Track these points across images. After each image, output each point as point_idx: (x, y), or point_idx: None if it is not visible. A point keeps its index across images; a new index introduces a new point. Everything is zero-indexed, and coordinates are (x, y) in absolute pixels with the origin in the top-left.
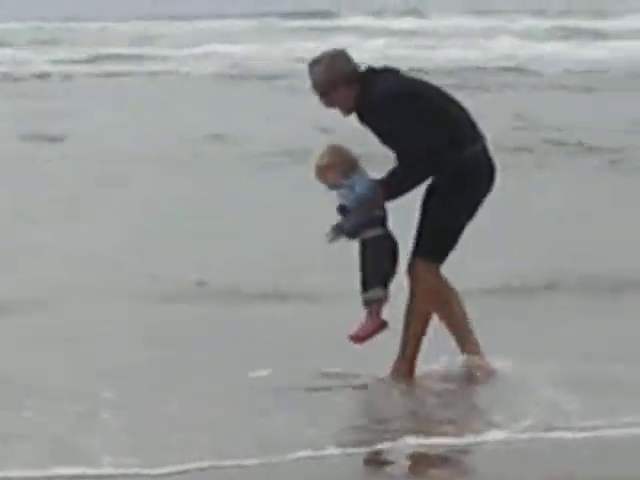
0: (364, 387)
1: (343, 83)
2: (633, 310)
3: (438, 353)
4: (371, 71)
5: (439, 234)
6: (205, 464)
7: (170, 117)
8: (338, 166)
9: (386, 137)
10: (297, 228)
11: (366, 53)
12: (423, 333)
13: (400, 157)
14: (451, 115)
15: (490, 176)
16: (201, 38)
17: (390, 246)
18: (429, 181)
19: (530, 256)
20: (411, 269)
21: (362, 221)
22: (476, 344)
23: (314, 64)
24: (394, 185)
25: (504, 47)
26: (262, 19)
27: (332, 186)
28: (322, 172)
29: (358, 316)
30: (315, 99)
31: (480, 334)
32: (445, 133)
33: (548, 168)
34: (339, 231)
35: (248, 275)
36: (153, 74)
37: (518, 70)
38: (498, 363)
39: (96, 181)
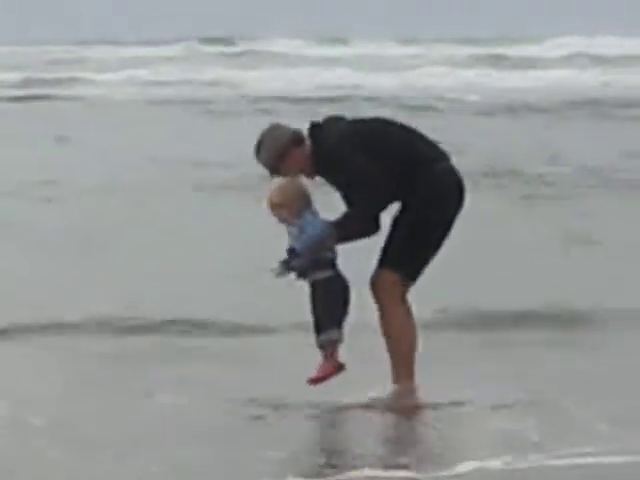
0: (321, 416)
1: (293, 146)
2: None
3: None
4: (316, 125)
5: (408, 247)
6: None
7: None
8: (291, 204)
9: (342, 185)
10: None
11: (292, 83)
12: (412, 347)
13: (353, 203)
14: (410, 139)
15: (460, 194)
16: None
17: (341, 287)
18: (400, 201)
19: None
20: (375, 282)
21: (311, 262)
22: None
23: (257, 147)
24: (347, 228)
25: (423, 75)
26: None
27: (283, 221)
28: (274, 208)
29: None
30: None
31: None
32: (407, 159)
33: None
34: (287, 268)
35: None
36: (78, 98)
37: (437, 98)
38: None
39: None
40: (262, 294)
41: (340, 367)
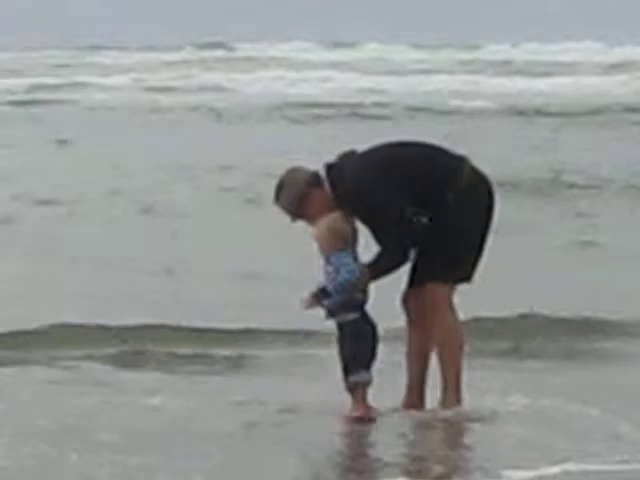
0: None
1: (312, 189)
2: None
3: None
4: (331, 165)
5: (448, 256)
6: None
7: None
8: (330, 240)
9: (368, 221)
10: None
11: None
12: (460, 355)
13: (383, 240)
14: (427, 155)
15: (488, 192)
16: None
17: (369, 329)
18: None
19: None
20: (423, 296)
21: (342, 304)
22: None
23: (277, 192)
24: (381, 270)
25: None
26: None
27: (323, 253)
28: (316, 239)
29: None
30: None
31: None
32: (430, 174)
33: None
34: (316, 303)
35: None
36: (83, 103)
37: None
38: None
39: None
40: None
41: (371, 416)
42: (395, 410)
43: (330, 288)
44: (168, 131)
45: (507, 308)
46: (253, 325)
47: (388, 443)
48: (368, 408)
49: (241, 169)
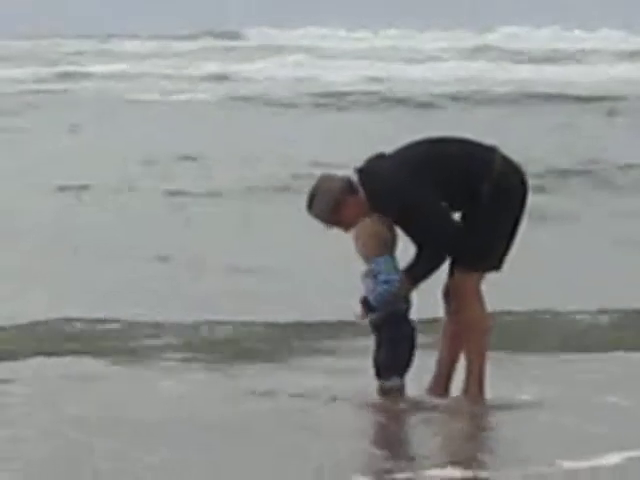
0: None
1: (347, 195)
2: None
3: None
4: (362, 170)
5: (481, 244)
6: None
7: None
8: (367, 244)
9: (406, 223)
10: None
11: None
12: (485, 346)
13: (420, 239)
14: (459, 148)
15: (521, 181)
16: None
17: (408, 334)
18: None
19: None
20: (454, 285)
21: (387, 316)
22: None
23: (310, 200)
24: (419, 277)
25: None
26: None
27: (362, 258)
28: (354, 241)
29: None
30: None
31: None
32: (465, 174)
33: None
34: (365, 317)
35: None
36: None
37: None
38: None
39: None
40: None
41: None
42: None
43: (371, 299)
44: (185, 120)
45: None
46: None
47: (422, 432)
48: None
49: (266, 160)
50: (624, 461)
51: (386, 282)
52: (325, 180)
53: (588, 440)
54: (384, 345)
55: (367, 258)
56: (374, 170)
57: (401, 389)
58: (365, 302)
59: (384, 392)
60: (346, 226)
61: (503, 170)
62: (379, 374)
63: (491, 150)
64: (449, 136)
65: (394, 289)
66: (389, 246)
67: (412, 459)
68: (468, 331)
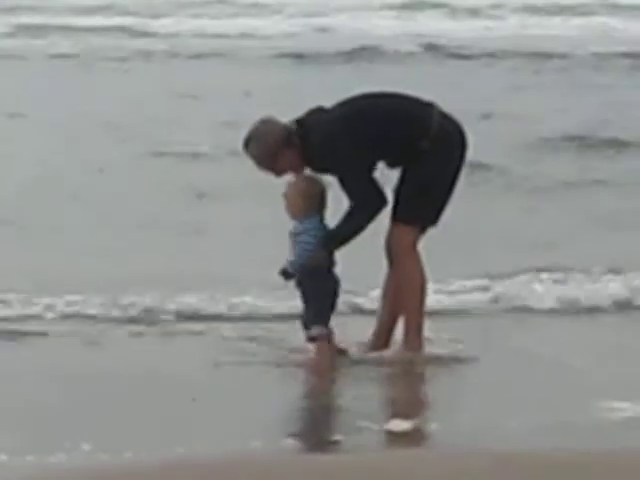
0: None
1: (283, 146)
2: None
3: None
4: (301, 121)
5: (418, 200)
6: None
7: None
8: (300, 204)
9: (337, 174)
10: None
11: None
12: (421, 300)
13: (350, 195)
14: (396, 111)
15: (460, 136)
16: None
17: (331, 286)
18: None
19: None
20: (390, 237)
21: (307, 274)
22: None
23: (247, 143)
24: (337, 243)
25: None
26: None
27: (291, 216)
28: (285, 204)
29: None
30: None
31: None
32: (403, 131)
33: None
34: (287, 275)
35: None
36: None
37: None
38: None
39: None
40: None
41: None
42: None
43: (291, 258)
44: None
45: None
46: None
47: (365, 388)
48: (330, 356)
49: None
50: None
51: (307, 243)
52: (265, 124)
53: None
54: (306, 298)
55: (294, 217)
56: (312, 123)
57: (327, 336)
58: (284, 272)
59: (311, 340)
60: (278, 173)
61: (441, 126)
62: (305, 326)
63: (429, 106)
64: (388, 91)
65: (311, 253)
66: (316, 207)
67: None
68: (402, 287)
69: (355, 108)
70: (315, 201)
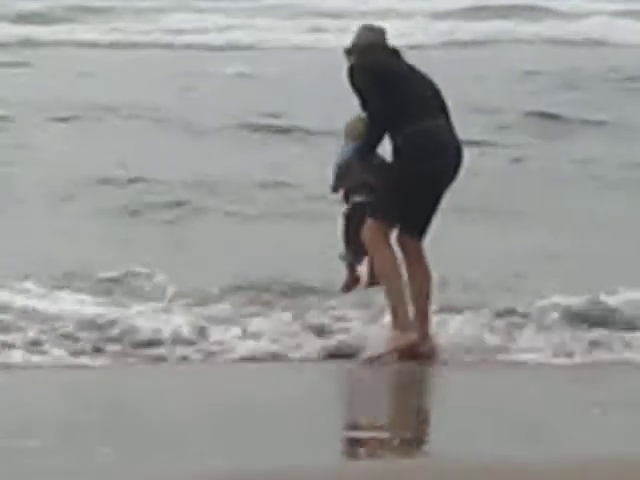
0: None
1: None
2: None
3: None
4: (394, 50)
5: (383, 196)
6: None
7: None
8: (356, 129)
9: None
10: None
11: None
12: (398, 289)
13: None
14: (412, 90)
15: (453, 154)
16: None
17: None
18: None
19: None
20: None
21: (350, 183)
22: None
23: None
24: (364, 149)
25: None
26: None
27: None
28: (345, 132)
29: None
30: None
31: None
32: (399, 107)
33: None
34: (333, 190)
35: None
36: None
37: None
38: None
39: None
40: None
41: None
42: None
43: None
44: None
45: None
46: None
47: None
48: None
49: None
50: None
51: (342, 156)
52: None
53: None
54: (352, 221)
55: (354, 139)
56: (376, 51)
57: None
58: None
59: (342, 259)
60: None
61: (420, 133)
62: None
63: (431, 113)
64: (420, 76)
65: (348, 157)
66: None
67: None
68: (379, 277)
69: (397, 71)
70: (353, 135)
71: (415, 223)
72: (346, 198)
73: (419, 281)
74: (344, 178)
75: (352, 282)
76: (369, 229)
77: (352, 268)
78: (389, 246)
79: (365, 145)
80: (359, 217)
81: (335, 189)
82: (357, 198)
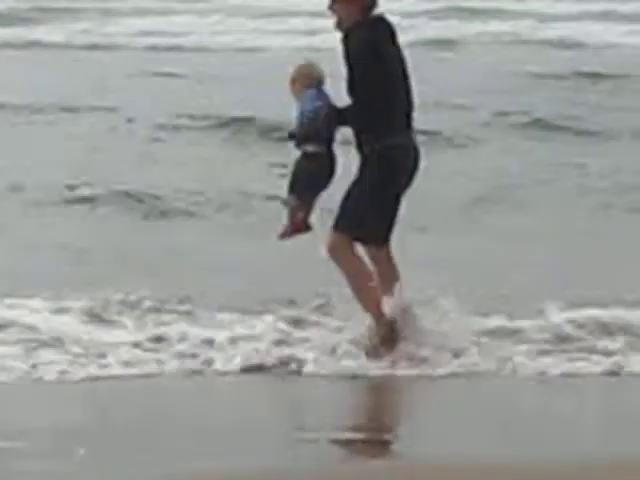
0: None
1: (361, 6)
2: None
3: None
4: (381, 18)
5: (346, 208)
6: None
7: None
8: (300, 79)
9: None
10: None
11: None
12: (374, 297)
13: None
14: (391, 99)
15: (414, 167)
16: None
17: (328, 163)
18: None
19: None
20: (327, 245)
21: (307, 131)
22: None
23: None
24: (348, 116)
25: None
26: None
27: (296, 95)
28: (290, 83)
29: None
30: None
31: None
32: (379, 112)
33: None
34: (289, 137)
35: None
36: None
37: None
38: None
39: None
40: None
41: (299, 228)
42: None
43: (294, 125)
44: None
45: None
46: None
47: None
48: (298, 225)
49: None
50: None
51: (307, 111)
52: None
53: None
54: (302, 166)
55: (297, 94)
56: (378, 23)
57: (295, 208)
58: (290, 135)
59: (283, 203)
60: (336, 10)
61: (400, 149)
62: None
63: (401, 130)
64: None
65: (317, 111)
66: (319, 85)
67: None
68: (350, 283)
69: (399, 58)
70: (314, 83)
71: (380, 233)
72: (298, 145)
73: (391, 280)
74: (308, 127)
75: (291, 229)
76: (333, 243)
77: (293, 214)
78: (355, 255)
79: (348, 109)
80: (309, 165)
81: (295, 137)
82: (309, 148)
